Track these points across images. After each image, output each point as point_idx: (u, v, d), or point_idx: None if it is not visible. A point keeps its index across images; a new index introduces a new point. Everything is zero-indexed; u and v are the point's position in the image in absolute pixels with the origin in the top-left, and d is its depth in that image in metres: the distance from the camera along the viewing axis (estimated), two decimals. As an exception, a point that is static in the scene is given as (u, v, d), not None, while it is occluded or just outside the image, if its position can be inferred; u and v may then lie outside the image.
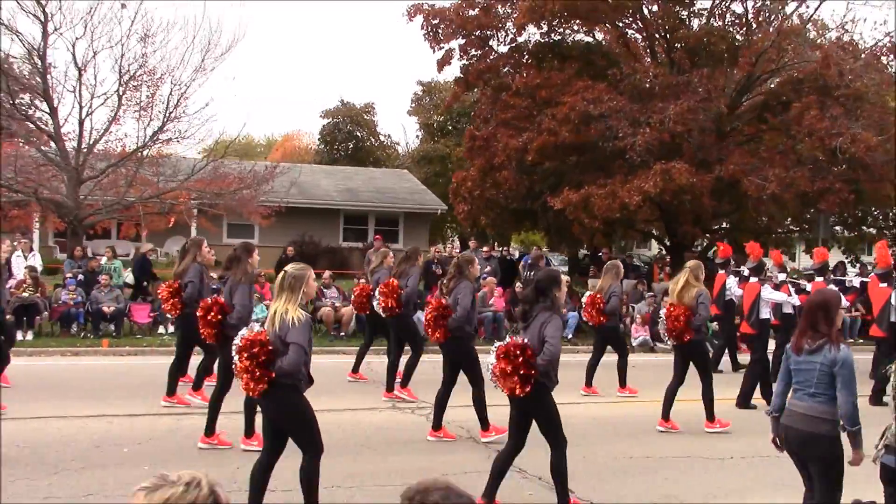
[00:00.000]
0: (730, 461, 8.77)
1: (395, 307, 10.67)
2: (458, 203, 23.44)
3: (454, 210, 24.50)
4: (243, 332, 6.11)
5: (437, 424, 9.10)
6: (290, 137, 73.21)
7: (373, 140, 50.63)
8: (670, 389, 9.94)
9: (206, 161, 21.50)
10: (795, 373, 5.63)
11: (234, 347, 6.06)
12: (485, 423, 8.96)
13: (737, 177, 19.61)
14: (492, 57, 23.08)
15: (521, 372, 6.26)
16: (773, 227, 23.33)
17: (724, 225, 25.47)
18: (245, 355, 5.92)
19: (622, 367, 12.11)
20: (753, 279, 12.26)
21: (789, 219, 21.77)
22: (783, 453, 5.85)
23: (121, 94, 20.04)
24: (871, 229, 24.97)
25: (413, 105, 47.30)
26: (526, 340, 6.44)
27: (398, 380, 11.19)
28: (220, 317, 8.37)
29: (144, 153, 20.85)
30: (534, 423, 6.66)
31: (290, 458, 6.17)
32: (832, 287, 13.41)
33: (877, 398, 10.71)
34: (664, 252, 25.27)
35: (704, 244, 27.03)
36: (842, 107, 20.57)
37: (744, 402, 11.51)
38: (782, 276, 13.74)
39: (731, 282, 14.19)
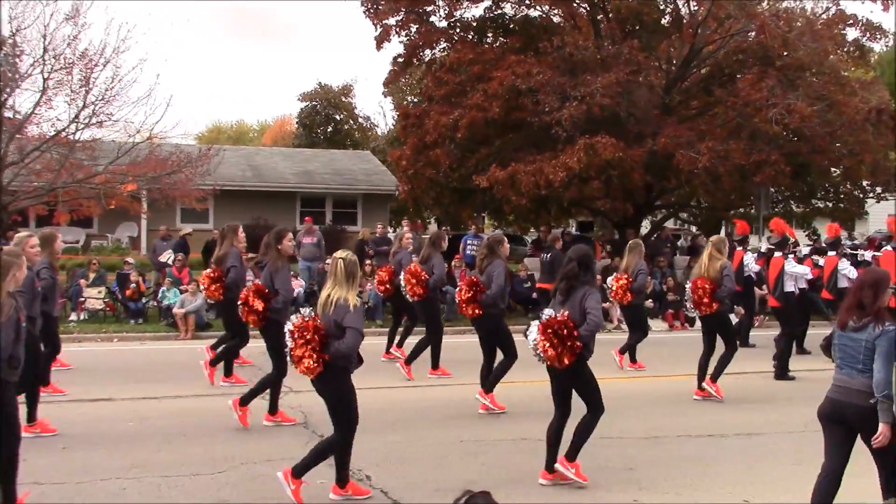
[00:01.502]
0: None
1: (423, 293, 11.29)
2: (401, 182, 23.12)
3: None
4: (294, 317, 6.42)
5: (489, 390, 9.67)
6: (283, 122, 73.02)
7: (352, 122, 50.29)
8: (702, 360, 10.56)
9: (133, 144, 21.01)
10: (840, 348, 5.75)
11: (287, 332, 6.39)
12: (491, 388, 9.65)
13: (670, 151, 19.16)
14: (427, 31, 22.57)
15: (568, 344, 6.68)
16: (716, 203, 22.80)
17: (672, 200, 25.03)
18: (300, 341, 6.26)
19: (633, 345, 12.66)
20: (778, 254, 12.79)
21: (733, 195, 21.20)
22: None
23: (45, 76, 19.75)
24: (820, 203, 24.44)
25: (388, 86, 46.76)
26: (566, 314, 6.82)
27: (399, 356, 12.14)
28: (264, 302, 8.67)
29: (77, 137, 20.56)
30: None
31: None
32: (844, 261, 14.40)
33: None
34: (601, 231, 24.85)
35: (657, 219, 26.70)
36: (780, 77, 20.08)
37: (781, 374, 12.21)
38: (806, 250, 14.57)
39: (749, 258, 14.97)
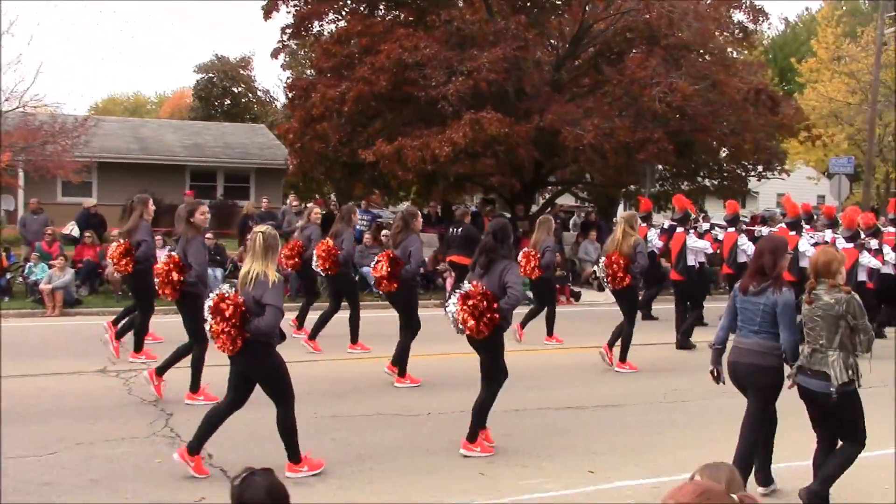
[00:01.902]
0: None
1: (333, 267, 11.10)
2: (290, 156, 22.62)
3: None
4: (213, 293, 6.31)
5: (402, 372, 9.69)
6: (181, 94, 70.98)
7: (250, 96, 49.18)
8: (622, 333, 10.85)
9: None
10: (741, 311, 6.17)
11: (206, 308, 6.27)
12: (403, 370, 9.70)
13: (556, 127, 19.21)
14: (316, 2, 22.04)
15: (488, 316, 6.85)
16: (605, 180, 23.04)
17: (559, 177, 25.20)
18: (219, 317, 6.15)
19: (550, 317, 12.81)
20: (680, 229, 13.44)
21: (620, 172, 21.40)
22: (721, 385, 6.44)
23: None
24: (707, 181, 24.99)
25: (286, 59, 45.87)
26: (485, 287, 7.00)
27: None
28: (179, 275, 8.56)
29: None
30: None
31: None
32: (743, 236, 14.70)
33: None
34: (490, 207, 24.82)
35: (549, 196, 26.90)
36: (666, 56, 20.36)
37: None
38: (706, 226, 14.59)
39: (652, 233, 15.21)
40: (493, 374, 7.27)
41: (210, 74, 46.72)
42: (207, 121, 40.11)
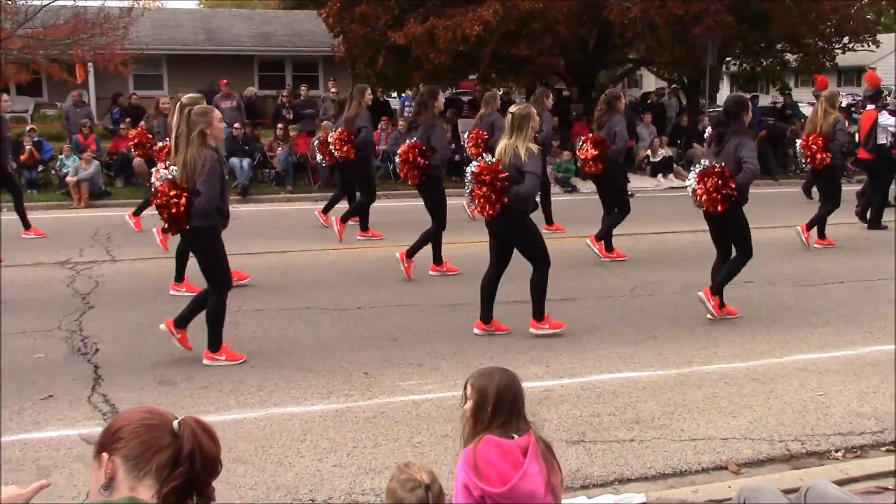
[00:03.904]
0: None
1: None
2: (340, 41, 21.96)
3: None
4: (475, 161, 6.98)
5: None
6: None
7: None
8: (821, 212, 10.96)
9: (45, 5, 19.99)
10: None
11: (468, 174, 6.95)
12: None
13: (600, 1, 17.83)
14: None
15: (724, 192, 7.22)
16: (652, 57, 21.41)
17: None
18: (478, 183, 6.79)
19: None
20: (871, 106, 12.93)
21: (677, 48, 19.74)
22: None
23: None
24: (788, 56, 22.95)
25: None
26: (722, 163, 7.34)
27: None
28: (423, 159, 8.96)
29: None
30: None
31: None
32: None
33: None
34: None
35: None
36: None
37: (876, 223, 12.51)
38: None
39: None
40: (739, 243, 7.68)
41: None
42: (299, 9, 39.65)
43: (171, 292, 8.56)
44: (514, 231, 7.02)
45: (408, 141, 9.38)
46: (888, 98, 13.15)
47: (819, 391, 6.02)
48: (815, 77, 17.09)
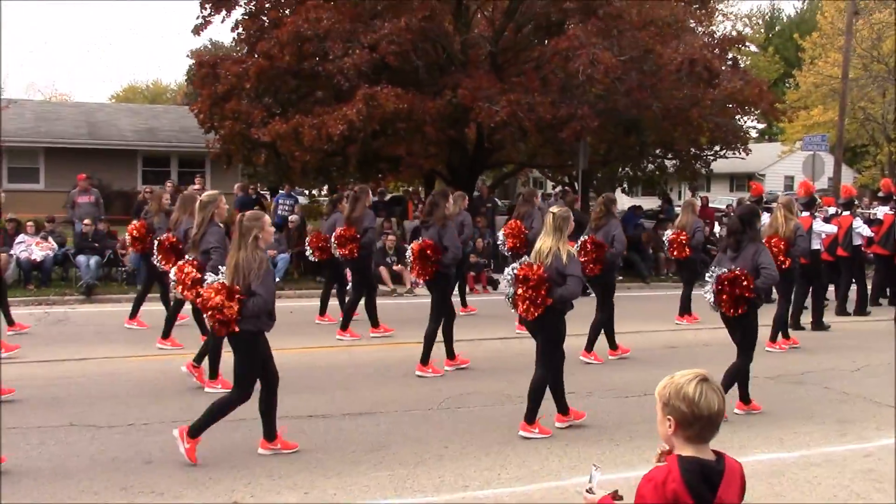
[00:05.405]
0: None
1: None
2: (215, 140, 21.49)
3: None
4: (515, 265, 7.17)
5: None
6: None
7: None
8: (781, 313, 11.48)
9: None
10: None
11: (507, 279, 7.14)
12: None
13: (467, 104, 17.82)
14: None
15: (746, 296, 7.56)
16: (533, 160, 21.55)
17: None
18: (524, 286, 6.96)
19: (687, 296, 13.27)
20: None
21: (548, 151, 19.88)
22: None
23: None
24: (667, 162, 23.36)
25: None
26: (739, 269, 7.62)
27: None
28: (435, 256, 9.19)
29: None
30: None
31: None
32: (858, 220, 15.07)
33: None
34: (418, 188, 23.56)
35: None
36: (601, 27, 18.79)
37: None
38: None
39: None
40: (746, 342, 7.89)
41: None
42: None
43: (207, 390, 8.46)
44: (548, 329, 7.18)
45: (420, 239, 9.62)
46: (821, 207, 14.36)
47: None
48: (751, 184, 18.30)
